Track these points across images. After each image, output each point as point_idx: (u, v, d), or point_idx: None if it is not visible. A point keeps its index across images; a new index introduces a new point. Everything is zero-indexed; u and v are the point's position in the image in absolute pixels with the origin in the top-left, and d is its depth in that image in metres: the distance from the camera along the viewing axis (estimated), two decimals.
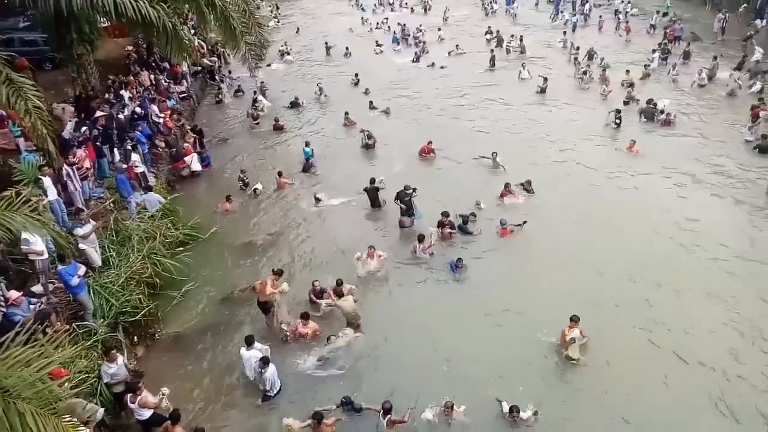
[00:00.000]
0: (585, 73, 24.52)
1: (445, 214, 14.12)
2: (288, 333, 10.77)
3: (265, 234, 14.77)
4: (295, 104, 24.09)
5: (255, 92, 24.69)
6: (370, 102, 23.23)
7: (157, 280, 11.95)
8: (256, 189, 16.81)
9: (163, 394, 8.68)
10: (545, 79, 23.73)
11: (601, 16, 34.45)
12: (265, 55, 25.07)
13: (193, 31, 26.82)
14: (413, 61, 29.08)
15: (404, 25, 34.23)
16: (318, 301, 11.59)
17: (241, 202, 16.42)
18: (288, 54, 31.47)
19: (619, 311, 11.27)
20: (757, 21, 30.39)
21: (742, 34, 28.58)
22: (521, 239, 13.94)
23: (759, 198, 15.16)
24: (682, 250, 13.15)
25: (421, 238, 13.47)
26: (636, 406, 9.13)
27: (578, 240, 13.76)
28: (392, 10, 42.22)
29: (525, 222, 14.07)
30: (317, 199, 16.02)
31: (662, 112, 20.18)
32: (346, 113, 21.73)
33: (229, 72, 28.38)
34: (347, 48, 31.52)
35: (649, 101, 20.86)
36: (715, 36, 29.47)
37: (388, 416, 8.67)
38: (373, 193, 15.57)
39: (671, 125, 19.82)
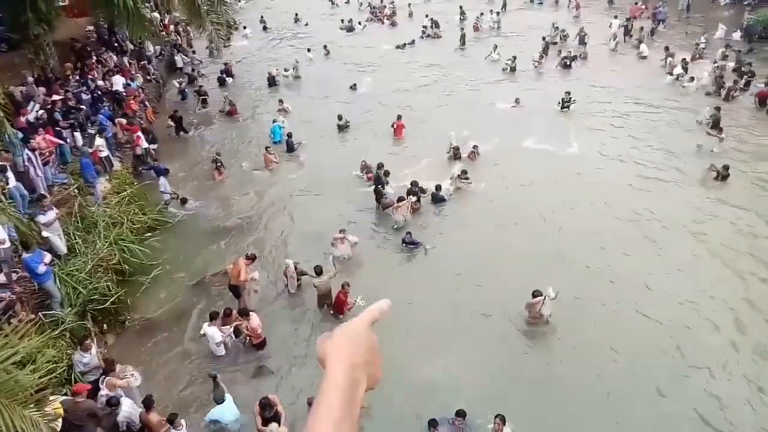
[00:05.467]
0: (542, 57, 24.37)
1: (414, 183, 14.35)
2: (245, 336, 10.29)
3: (237, 217, 14.62)
4: (272, 82, 23.66)
5: (222, 72, 24.21)
6: (354, 84, 22.89)
7: (126, 267, 11.74)
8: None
9: (131, 374, 8.67)
10: (514, 58, 23.72)
11: None
12: (232, 35, 24.54)
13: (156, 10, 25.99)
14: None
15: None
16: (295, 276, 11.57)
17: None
18: (245, 28, 30.87)
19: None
20: None
21: (706, 12, 29.15)
22: (484, 206, 14.53)
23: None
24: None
25: (401, 199, 13.71)
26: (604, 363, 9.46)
27: (531, 204, 14.42)
28: None
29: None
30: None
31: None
32: (281, 101, 21.13)
33: (194, 51, 27.67)
34: (296, 17, 32.22)
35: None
36: (680, 13, 29.86)
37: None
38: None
39: None
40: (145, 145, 17.11)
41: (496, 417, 8.23)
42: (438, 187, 14.64)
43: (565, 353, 10.04)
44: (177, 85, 22.80)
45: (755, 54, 22.97)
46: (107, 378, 8.57)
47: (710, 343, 10.02)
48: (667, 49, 23.33)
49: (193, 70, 25.32)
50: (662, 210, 13.88)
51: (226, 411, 8.39)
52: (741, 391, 9.06)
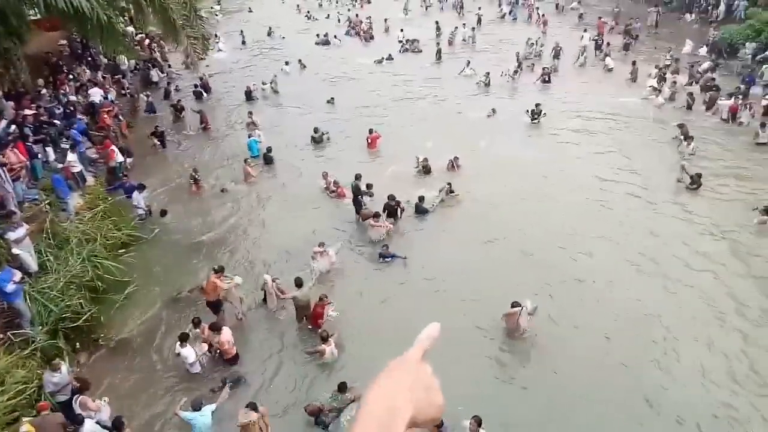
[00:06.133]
0: (516, 72, 24.66)
1: (391, 197, 14.28)
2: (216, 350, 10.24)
3: (214, 231, 14.49)
4: (249, 96, 23.59)
5: (196, 85, 24.10)
6: (331, 98, 22.93)
7: (99, 284, 11.48)
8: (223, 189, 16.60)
9: (105, 402, 8.52)
10: (487, 74, 23.99)
11: (537, 8, 35.19)
12: (209, 49, 24.41)
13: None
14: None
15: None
16: (276, 292, 11.48)
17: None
18: (218, 42, 30.21)
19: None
20: (687, 15, 31.96)
21: (674, 28, 30.11)
22: (464, 218, 14.64)
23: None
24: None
25: (377, 215, 13.66)
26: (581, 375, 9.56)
27: (508, 218, 14.52)
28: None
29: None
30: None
31: None
32: (250, 113, 20.86)
33: (169, 66, 27.47)
34: (270, 30, 32.13)
35: None
36: (649, 29, 30.71)
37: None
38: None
39: None
40: (120, 158, 16.90)
41: (472, 418, 8.30)
42: (421, 199, 14.72)
43: (543, 362, 10.10)
44: (144, 98, 22.51)
45: (720, 68, 23.66)
46: (80, 397, 8.39)
47: (690, 352, 10.11)
48: (634, 63, 24.03)
49: (169, 84, 25.12)
50: (637, 219, 14.20)
51: (198, 419, 8.37)
52: (710, 394, 9.24)
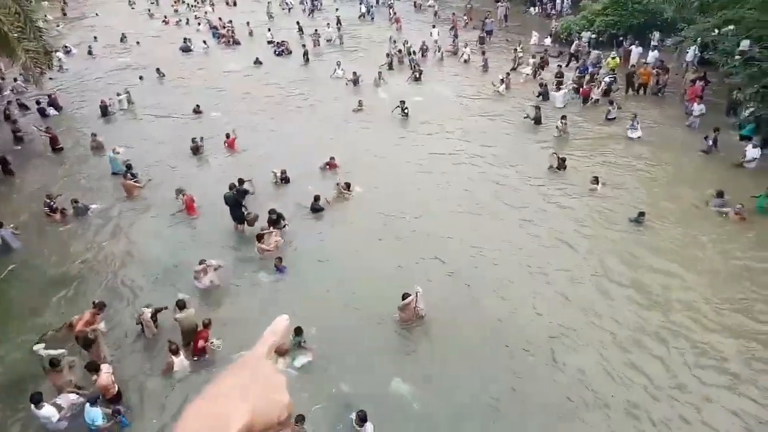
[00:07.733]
0: (379, 74, 24.84)
1: (272, 211, 13.96)
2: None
3: (80, 261, 13.33)
4: (104, 111, 21.86)
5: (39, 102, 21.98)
6: (197, 105, 21.96)
7: None
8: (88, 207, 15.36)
9: None
10: (355, 73, 24.26)
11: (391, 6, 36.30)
12: (52, 63, 22.30)
13: None
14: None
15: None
16: (150, 323, 10.79)
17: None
18: (58, 51, 27.52)
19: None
20: (531, 9, 34.76)
21: (521, 21, 32.67)
22: (353, 215, 14.83)
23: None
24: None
25: (259, 237, 13.11)
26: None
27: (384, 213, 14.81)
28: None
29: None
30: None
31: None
32: (93, 134, 19.46)
33: (15, 80, 24.72)
34: (123, 36, 30.75)
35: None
36: (500, 23, 32.91)
37: None
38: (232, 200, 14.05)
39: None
40: None
41: (356, 413, 8.41)
42: (317, 198, 14.74)
43: (440, 351, 10.39)
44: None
45: (562, 56, 26.11)
46: None
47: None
48: (483, 53, 25.89)
49: (9, 103, 22.54)
50: (513, 202, 15.10)
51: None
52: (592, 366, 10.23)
